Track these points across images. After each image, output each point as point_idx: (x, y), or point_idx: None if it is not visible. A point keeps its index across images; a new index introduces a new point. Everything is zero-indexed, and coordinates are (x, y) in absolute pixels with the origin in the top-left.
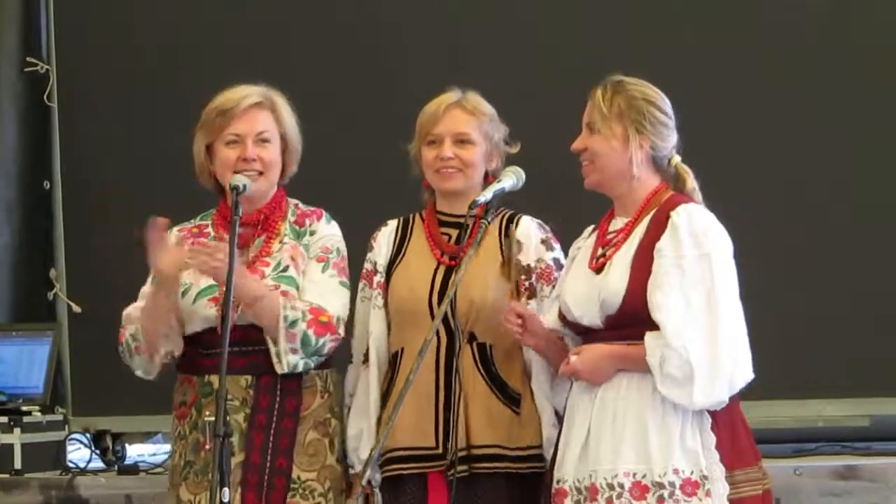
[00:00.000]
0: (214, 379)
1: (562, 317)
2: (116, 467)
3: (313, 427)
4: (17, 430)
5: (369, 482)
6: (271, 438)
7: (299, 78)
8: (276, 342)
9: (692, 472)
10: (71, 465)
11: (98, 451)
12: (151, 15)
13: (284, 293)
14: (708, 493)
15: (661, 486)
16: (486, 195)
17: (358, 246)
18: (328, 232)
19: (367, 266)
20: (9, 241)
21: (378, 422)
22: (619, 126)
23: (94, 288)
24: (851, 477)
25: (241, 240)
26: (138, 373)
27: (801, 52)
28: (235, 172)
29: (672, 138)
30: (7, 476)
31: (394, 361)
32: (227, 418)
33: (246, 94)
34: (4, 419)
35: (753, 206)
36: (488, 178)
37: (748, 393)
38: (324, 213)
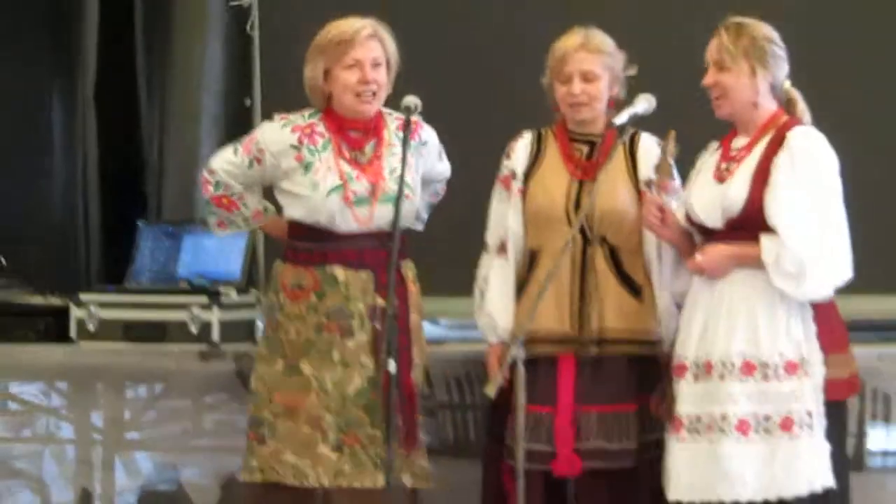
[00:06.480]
0: (339, 271)
1: (688, 219)
2: None
3: (415, 310)
4: (215, 308)
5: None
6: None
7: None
8: None
9: (794, 356)
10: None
11: None
12: None
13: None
14: (806, 374)
15: (766, 365)
16: (623, 118)
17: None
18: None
19: (504, 172)
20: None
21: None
22: (746, 63)
23: None
24: None
25: (356, 143)
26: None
27: None
28: (356, 94)
29: (785, 68)
30: (206, 348)
31: (532, 258)
32: (391, 302)
33: (361, 25)
34: (206, 300)
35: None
36: (611, 103)
37: (839, 289)
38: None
